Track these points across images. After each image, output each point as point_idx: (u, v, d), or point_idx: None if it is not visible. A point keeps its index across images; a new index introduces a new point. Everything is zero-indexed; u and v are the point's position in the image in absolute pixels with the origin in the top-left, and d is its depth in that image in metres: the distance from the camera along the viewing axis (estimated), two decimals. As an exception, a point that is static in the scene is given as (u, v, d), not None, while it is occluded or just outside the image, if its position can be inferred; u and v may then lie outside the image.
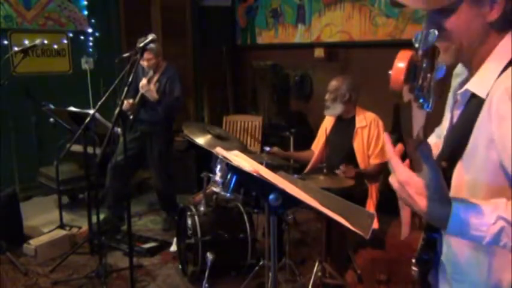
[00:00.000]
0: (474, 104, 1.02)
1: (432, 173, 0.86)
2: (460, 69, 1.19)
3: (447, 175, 1.06)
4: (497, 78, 0.98)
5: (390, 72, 0.88)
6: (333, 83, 3.12)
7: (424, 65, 0.90)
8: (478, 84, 1.02)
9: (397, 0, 1.01)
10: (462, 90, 1.05)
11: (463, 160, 1.02)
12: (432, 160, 0.87)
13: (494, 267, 1.03)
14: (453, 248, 1.09)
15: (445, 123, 1.19)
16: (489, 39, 1.01)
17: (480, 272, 1.05)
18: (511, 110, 0.91)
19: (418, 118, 0.87)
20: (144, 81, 3.57)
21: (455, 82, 1.21)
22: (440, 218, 0.89)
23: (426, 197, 0.87)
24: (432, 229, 1.13)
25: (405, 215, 1.15)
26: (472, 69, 1.06)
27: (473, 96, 1.03)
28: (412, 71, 0.88)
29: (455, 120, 1.10)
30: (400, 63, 0.87)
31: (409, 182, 0.89)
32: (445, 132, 1.18)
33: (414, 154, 0.89)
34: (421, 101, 0.85)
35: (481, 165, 0.98)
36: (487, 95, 0.98)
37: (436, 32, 0.89)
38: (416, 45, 0.89)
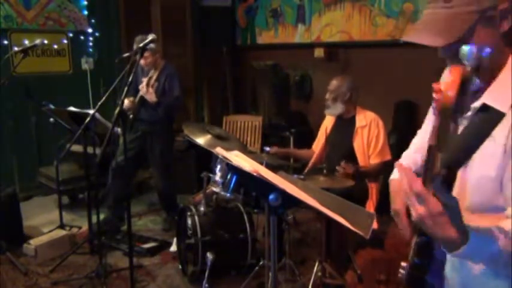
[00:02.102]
0: (487, 117, 1.03)
1: (456, 204, 0.94)
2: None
3: (447, 182, 1.08)
4: None
5: (439, 87, 0.86)
6: (334, 83, 3.12)
7: (474, 80, 0.90)
8: (495, 98, 1.02)
9: (410, 39, 1.03)
10: (478, 103, 1.05)
11: (470, 167, 1.04)
12: (450, 194, 0.95)
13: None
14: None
15: (426, 134, 1.22)
16: (502, 53, 1.04)
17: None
18: None
19: (443, 131, 0.90)
20: (142, 85, 3.57)
21: None
22: (459, 247, 0.94)
23: (454, 226, 0.92)
24: (425, 233, 1.14)
25: (404, 221, 1.16)
26: (486, 82, 1.07)
27: (485, 108, 1.03)
28: (463, 87, 0.89)
29: (460, 129, 1.10)
30: (453, 79, 0.86)
31: (443, 213, 0.92)
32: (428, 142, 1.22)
33: (429, 185, 0.94)
34: (458, 115, 0.87)
35: (487, 174, 1.00)
36: (510, 109, 0.99)
37: (489, 49, 0.93)
38: (466, 61, 0.90)
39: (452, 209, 0.92)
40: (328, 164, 2.82)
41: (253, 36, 5.70)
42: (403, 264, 1.19)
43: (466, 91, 0.93)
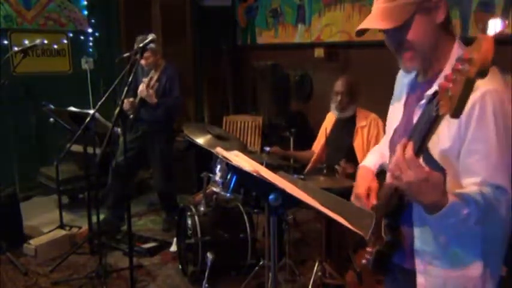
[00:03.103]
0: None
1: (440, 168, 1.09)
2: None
3: None
4: None
5: (469, 56, 0.87)
6: (344, 83, 3.05)
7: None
8: None
9: (360, 27, 1.26)
10: (431, 91, 1.15)
11: (431, 149, 1.14)
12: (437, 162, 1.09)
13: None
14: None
15: (394, 122, 1.37)
16: (442, 41, 1.20)
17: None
18: (492, 116, 1.06)
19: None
20: (141, 87, 3.57)
21: (404, 80, 1.38)
22: (441, 207, 1.05)
23: (441, 191, 1.04)
24: (395, 215, 1.27)
25: (364, 203, 1.36)
26: (432, 70, 1.23)
27: (436, 94, 1.09)
28: None
29: (416, 118, 1.21)
30: (491, 40, 0.87)
31: (428, 179, 1.01)
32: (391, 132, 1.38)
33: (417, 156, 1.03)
34: None
35: (444, 150, 1.14)
36: None
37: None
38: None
39: (437, 177, 1.03)
40: (329, 164, 2.82)
41: (253, 36, 5.70)
42: (369, 249, 1.31)
43: None
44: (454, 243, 1.18)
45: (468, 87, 0.87)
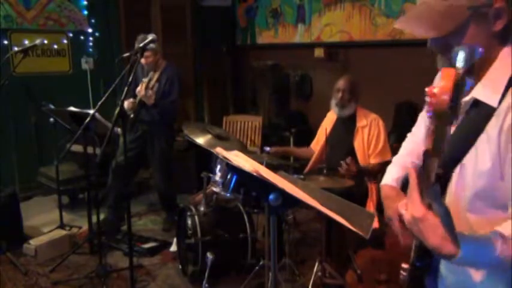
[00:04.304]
0: (479, 112, 1.03)
1: (444, 213, 0.91)
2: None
3: (442, 181, 1.07)
4: (506, 87, 0.99)
5: (433, 91, 0.86)
6: (345, 82, 3.07)
7: (465, 83, 0.90)
8: (485, 93, 1.02)
9: (407, 30, 1.06)
10: (467, 98, 1.05)
11: (464, 166, 1.03)
12: (442, 202, 0.94)
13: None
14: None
15: (416, 138, 1.24)
16: (494, 50, 1.03)
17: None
18: None
19: (440, 135, 0.90)
20: (139, 88, 3.57)
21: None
22: (450, 255, 0.92)
23: (439, 235, 0.91)
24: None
25: (397, 226, 1.16)
26: (476, 78, 1.07)
27: (476, 104, 1.03)
28: (456, 89, 0.89)
29: (453, 128, 1.09)
30: (446, 83, 0.86)
31: (423, 219, 0.92)
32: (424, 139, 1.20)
33: (425, 191, 0.93)
34: (452, 117, 0.87)
35: (484, 172, 0.99)
36: (499, 103, 0.98)
37: (481, 49, 0.93)
38: (459, 64, 0.90)
39: (442, 220, 0.92)
40: (329, 163, 2.82)
41: (253, 36, 5.70)
42: (404, 266, 1.19)
43: (459, 94, 0.93)
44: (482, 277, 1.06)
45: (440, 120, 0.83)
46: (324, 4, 4.83)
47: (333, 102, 3.14)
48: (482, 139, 0.99)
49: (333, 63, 4.85)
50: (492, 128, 0.98)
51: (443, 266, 1.15)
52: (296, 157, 3.59)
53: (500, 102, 0.99)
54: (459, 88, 0.90)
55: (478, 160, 1.00)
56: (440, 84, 0.90)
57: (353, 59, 4.71)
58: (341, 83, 3.10)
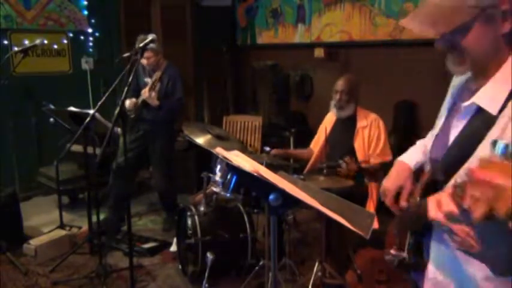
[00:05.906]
0: (481, 120, 1.03)
1: None
2: (457, 80, 1.21)
3: (442, 187, 1.08)
4: (509, 96, 0.99)
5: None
6: (344, 83, 3.06)
7: None
8: (487, 100, 1.02)
9: (410, 27, 1.06)
10: (468, 103, 1.06)
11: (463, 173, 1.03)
12: None
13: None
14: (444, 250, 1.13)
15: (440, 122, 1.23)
16: (500, 52, 1.05)
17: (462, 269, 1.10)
18: None
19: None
20: (144, 90, 3.56)
21: (454, 80, 1.23)
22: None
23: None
24: (421, 234, 1.20)
25: (389, 201, 1.28)
26: (481, 80, 1.08)
27: (480, 110, 1.03)
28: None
29: (456, 132, 1.10)
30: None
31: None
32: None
33: None
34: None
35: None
36: (499, 111, 0.99)
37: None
38: (501, 156, 0.91)
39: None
40: (328, 163, 2.82)
41: (253, 36, 5.70)
42: (392, 252, 1.25)
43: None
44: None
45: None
46: (324, 4, 4.84)
47: (332, 104, 3.15)
48: (483, 146, 1.00)
49: (333, 63, 4.85)
50: (493, 137, 0.99)
51: (432, 263, 1.18)
52: (296, 159, 3.59)
53: (500, 110, 0.99)
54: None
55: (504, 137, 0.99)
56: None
57: (353, 59, 4.71)
58: (339, 85, 3.09)
